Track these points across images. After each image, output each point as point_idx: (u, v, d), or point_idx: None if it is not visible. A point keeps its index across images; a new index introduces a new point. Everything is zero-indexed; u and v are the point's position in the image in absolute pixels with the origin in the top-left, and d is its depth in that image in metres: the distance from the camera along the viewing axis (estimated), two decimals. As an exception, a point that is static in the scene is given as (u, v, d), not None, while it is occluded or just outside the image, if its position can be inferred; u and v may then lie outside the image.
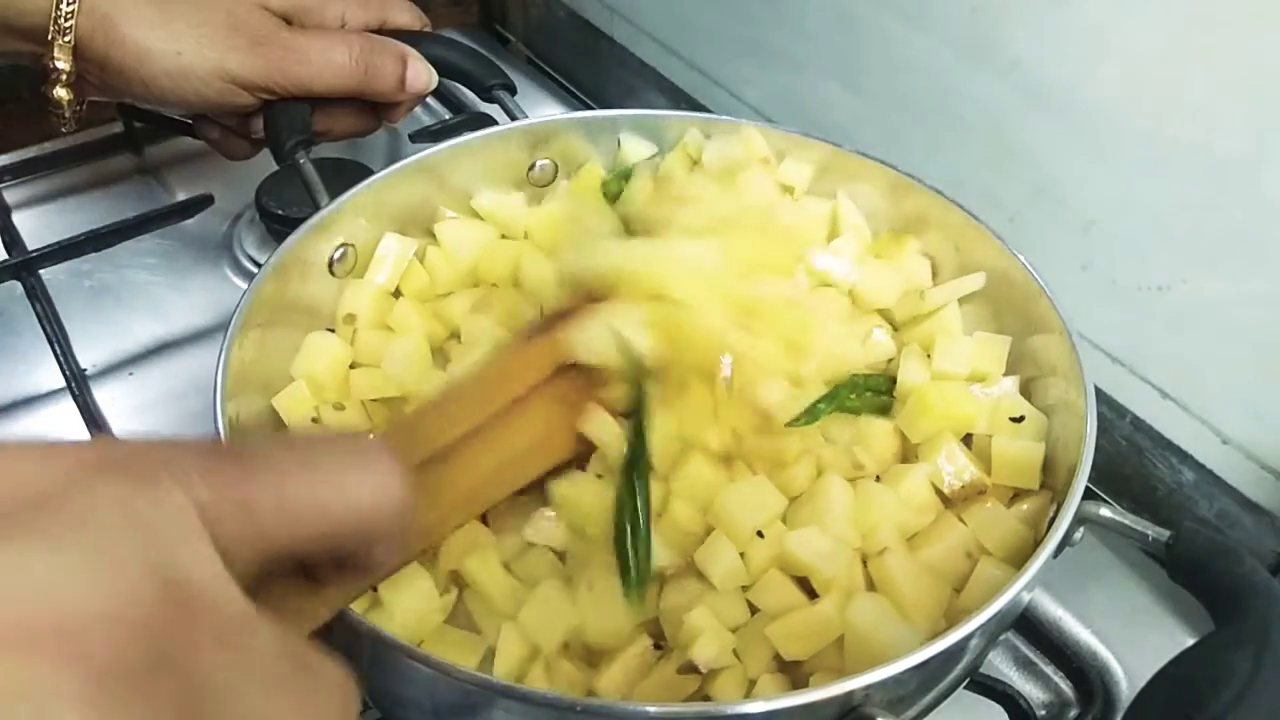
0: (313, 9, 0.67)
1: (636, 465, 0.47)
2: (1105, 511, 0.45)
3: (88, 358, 0.74)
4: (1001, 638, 0.58)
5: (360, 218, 0.60)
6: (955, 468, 0.50)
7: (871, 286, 0.59)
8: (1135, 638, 0.59)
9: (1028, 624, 0.60)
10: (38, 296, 0.76)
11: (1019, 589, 0.41)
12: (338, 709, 0.26)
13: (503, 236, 0.64)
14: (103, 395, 0.71)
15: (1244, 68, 0.53)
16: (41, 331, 0.74)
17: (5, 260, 0.79)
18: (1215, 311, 0.59)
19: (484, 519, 0.49)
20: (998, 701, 0.55)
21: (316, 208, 0.58)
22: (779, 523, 0.48)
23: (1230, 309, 0.58)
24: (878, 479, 0.51)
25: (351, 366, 0.57)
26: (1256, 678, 0.36)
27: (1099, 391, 0.55)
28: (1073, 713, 0.57)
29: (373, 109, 0.69)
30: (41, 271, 0.78)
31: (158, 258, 0.83)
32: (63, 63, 0.61)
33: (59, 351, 0.72)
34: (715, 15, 0.86)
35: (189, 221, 0.85)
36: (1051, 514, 0.46)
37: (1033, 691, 0.58)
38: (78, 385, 0.70)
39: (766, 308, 0.50)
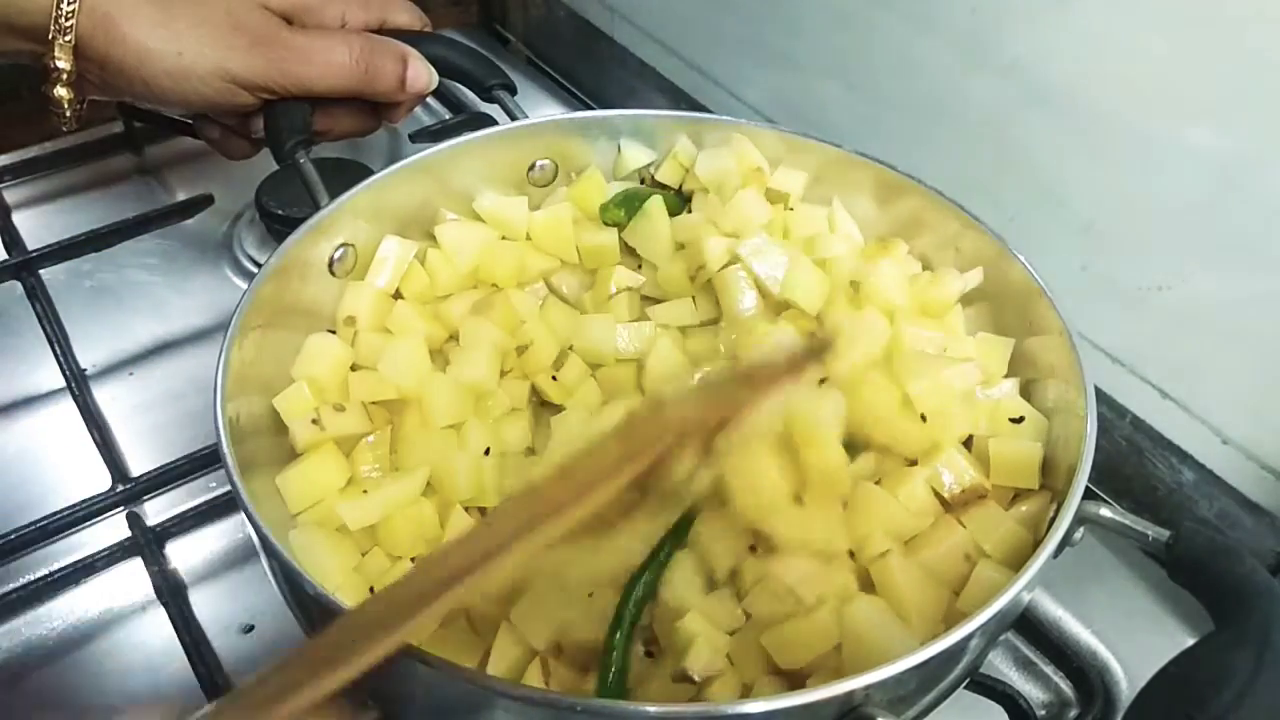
0: (313, 9, 0.67)
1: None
2: (1105, 512, 0.45)
3: (88, 358, 0.74)
4: (1001, 638, 0.58)
5: (360, 218, 0.60)
6: (955, 473, 0.50)
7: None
8: (1135, 638, 0.59)
9: (1028, 624, 0.60)
10: (38, 296, 0.76)
11: (1019, 589, 0.41)
12: None
13: (503, 238, 0.64)
14: (103, 395, 0.71)
15: (1244, 68, 0.53)
16: (41, 331, 0.74)
17: (5, 260, 0.79)
18: (1215, 311, 0.59)
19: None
20: (998, 701, 0.55)
21: (316, 208, 0.58)
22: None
23: (1230, 309, 0.58)
24: (877, 483, 0.51)
25: (352, 368, 0.57)
26: (1257, 678, 0.36)
27: (1099, 391, 0.55)
28: (1073, 713, 0.57)
29: (373, 109, 0.69)
30: (41, 271, 0.78)
31: (158, 258, 0.83)
32: (63, 62, 0.60)
33: (59, 351, 0.72)
34: (715, 15, 0.86)
35: (189, 221, 0.85)
36: (1052, 514, 0.46)
37: (1033, 691, 0.58)
38: (78, 385, 0.70)
39: None
